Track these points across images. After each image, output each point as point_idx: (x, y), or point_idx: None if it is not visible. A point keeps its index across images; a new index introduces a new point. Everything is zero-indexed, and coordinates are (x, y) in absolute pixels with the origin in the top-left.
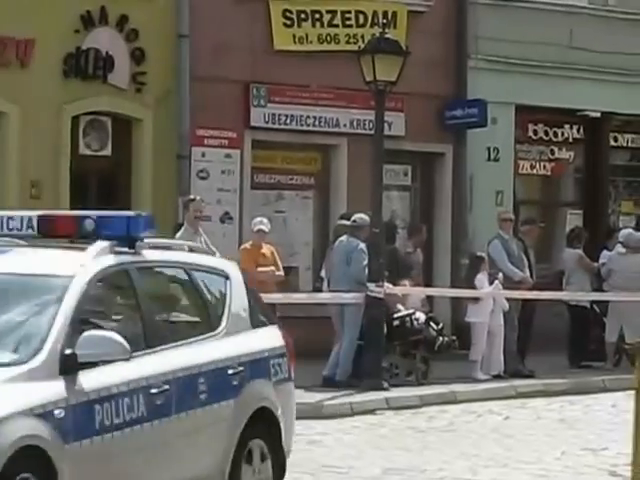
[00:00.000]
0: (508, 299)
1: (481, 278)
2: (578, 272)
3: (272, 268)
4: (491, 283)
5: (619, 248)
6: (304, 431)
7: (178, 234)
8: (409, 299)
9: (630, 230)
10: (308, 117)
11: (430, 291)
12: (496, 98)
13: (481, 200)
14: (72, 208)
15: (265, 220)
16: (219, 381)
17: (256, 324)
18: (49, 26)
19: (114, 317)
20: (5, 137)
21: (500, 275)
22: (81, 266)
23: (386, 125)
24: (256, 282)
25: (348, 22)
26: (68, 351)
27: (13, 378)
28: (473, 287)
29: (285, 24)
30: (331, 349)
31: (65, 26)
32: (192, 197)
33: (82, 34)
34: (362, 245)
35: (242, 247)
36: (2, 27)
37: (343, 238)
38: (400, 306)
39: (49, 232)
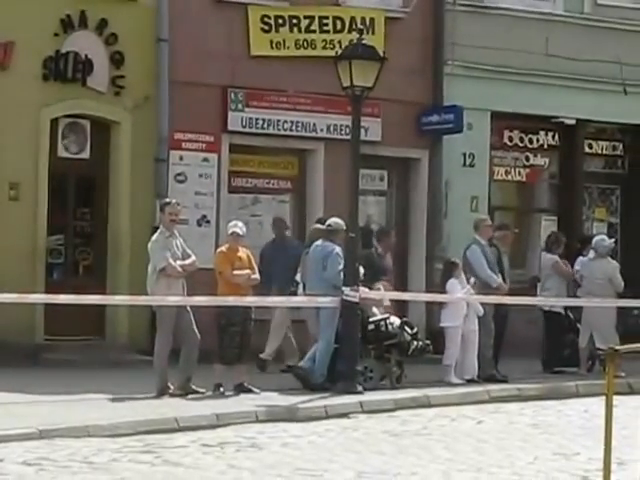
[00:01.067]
0: (483, 304)
1: (453, 283)
2: (554, 277)
3: (248, 271)
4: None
5: (590, 253)
6: (278, 433)
7: (154, 236)
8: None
9: (603, 236)
10: (285, 122)
11: (404, 296)
12: (472, 104)
13: (456, 205)
14: (50, 210)
15: (240, 223)
16: None
17: None
18: (29, 29)
19: None
20: None
21: (472, 280)
22: None
23: (363, 130)
24: (232, 285)
25: (325, 28)
26: None
27: None
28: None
29: (263, 29)
30: (306, 352)
31: (45, 29)
32: (167, 200)
33: (62, 37)
34: (338, 249)
35: (218, 250)
36: None
37: (319, 242)
38: (375, 310)
39: None
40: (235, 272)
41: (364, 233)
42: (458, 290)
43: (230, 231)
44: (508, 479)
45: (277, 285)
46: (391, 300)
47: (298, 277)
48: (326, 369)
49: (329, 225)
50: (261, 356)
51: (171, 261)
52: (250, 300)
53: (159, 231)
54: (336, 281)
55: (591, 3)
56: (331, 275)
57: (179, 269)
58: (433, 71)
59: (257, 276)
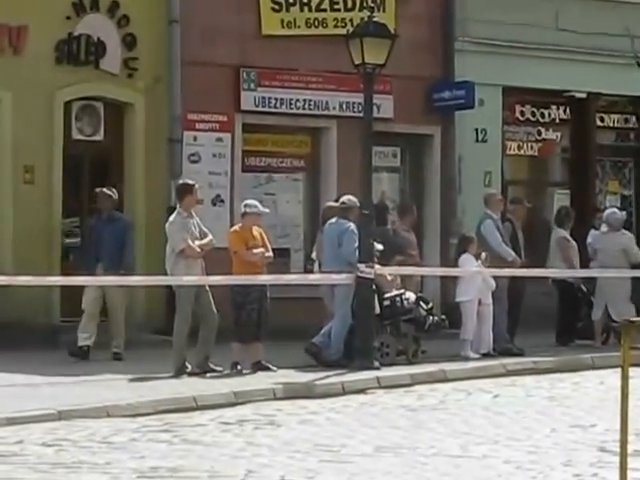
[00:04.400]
0: (497, 278)
1: (466, 258)
2: (557, 253)
3: (262, 250)
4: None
5: (603, 227)
6: (296, 410)
7: (172, 217)
8: (408, 281)
9: (614, 209)
10: (298, 100)
11: (418, 270)
12: (483, 80)
13: (470, 181)
14: (65, 192)
15: (257, 202)
16: None
17: None
18: (41, 13)
19: None
20: None
21: (483, 254)
22: None
23: (375, 107)
24: (247, 264)
25: (336, 6)
26: None
27: None
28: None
29: (273, 9)
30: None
31: (57, 13)
32: (191, 183)
33: (74, 20)
34: (352, 226)
35: (231, 229)
36: None
37: (333, 220)
38: (393, 289)
39: None
40: (251, 251)
41: (378, 210)
42: (472, 264)
43: (255, 211)
44: (525, 451)
45: (104, 263)
46: (405, 275)
47: (313, 255)
48: (343, 345)
49: (343, 202)
50: (115, 350)
51: (190, 242)
52: (266, 278)
53: (176, 212)
54: (351, 258)
55: None
56: (346, 252)
57: (198, 250)
58: (444, 47)
59: (271, 254)
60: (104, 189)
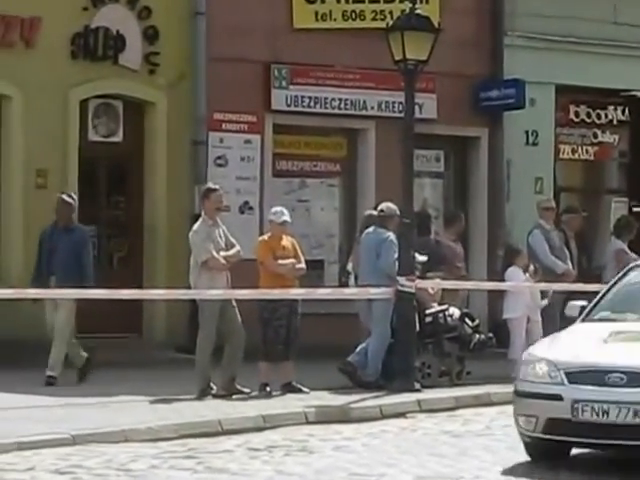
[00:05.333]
0: (549, 293)
1: (513, 271)
2: (613, 266)
3: (292, 261)
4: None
5: None
6: (330, 436)
7: (195, 226)
8: (452, 296)
9: None
10: (333, 99)
11: (462, 284)
12: (535, 78)
13: (519, 187)
14: (81, 198)
15: (285, 210)
16: None
17: None
18: (56, 4)
19: None
20: (9, 123)
21: (531, 268)
22: None
23: (417, 107)
24: (275, 276)
25: None
26: None
27: None
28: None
29: (307, 0)
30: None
31: (73, 3)
32: (213, 187)
33: (91, 12)
34: (392, 236)
35: (260, 239)
36: (6, 5)
37: (370, 229)
38: (434, 304)
39: None
40: (278, 262)
41: (420, 218)
42: (519, 278)
43: (281, 220)
44: None
45: (58, 276)
46: (449, 290)
47: (349, 267)
48: (381, 365)
49: (381, 210)
50: (48, 373)
51: (214, 253)
52: (297, 292)
53: (201, 220)
54: (390, 271)
55: None
56: (385, 264)
57: (222, 261)
58: (492, 42)
59: (303, 265)
60: (63, 195)
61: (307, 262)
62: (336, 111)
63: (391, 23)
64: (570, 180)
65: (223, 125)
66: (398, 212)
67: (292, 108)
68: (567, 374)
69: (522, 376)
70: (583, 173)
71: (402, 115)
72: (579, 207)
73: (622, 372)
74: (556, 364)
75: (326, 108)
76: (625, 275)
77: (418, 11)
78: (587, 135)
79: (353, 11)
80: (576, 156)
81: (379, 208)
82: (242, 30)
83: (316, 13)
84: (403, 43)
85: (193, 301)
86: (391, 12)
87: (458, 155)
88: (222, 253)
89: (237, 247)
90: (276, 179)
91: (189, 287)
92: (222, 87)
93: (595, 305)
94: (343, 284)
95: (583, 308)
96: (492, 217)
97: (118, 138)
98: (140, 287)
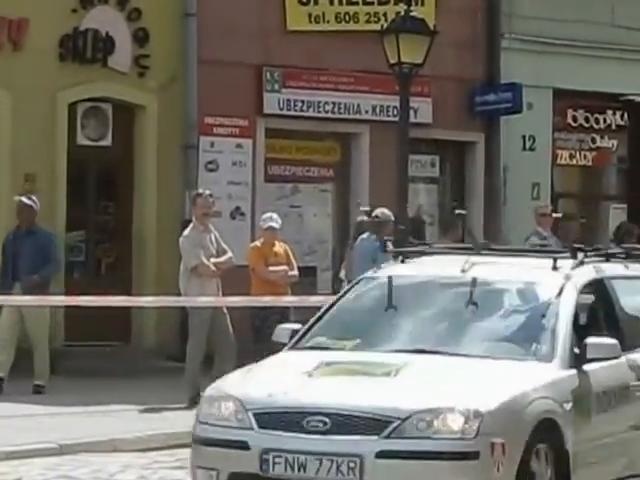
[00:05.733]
0: None
1: None
2: None
3: (285, 267)
4: None
5: None
6: None
7: (186, 232)
8: None
9: None
10: (326, 103)
11: None
12: (532, 82)
13: (516, 193)
14: (69, 203)
15: (275, 215)
16: None
17: None
18: (44, 5)
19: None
20: None
21: None
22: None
23: (412, 111)
24: (267, 283)
25: None
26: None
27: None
28: None
29: (300, 1)
30: None
31: (61, 5)
32: (199, 192)
33: (80, 14)
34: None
35: (252, 245)
36: None
37: (364, 236)
38: None
39: None
40: (270, 268)
41: (414, 225)
42: None
43: (266, 225)
44: None
45: (22, 282)
46: None
47: (342, 274)
48: None
49: (376, 216)
50: (36, 382)
51: (204, 259)
52: (289, 299)
53: (191, 226)
54: None
55: None
56: None
57: (213, 268)
58: (488, 45)
59: (295, 272)
60: (23, 198)
61: (299, 269)
62: (329, 115)
63: (386, 26)
64: (568, 186)
65: (214, 129)
66: (393, 218)
67: (284, 112)
68: (257, 416)
69: (202, 417)
70: (581, 179)
71: (397, 119)
72: (577, 213)
73: (325, 414)
74: (244, 403)
75: (319, 112)
76: (348, 291)
77: (413, 13)
78: (585, 140)
79: (347, 13)
80: (574, 161)
81: (374, 214)
82: (234, 32)
83: (309, 15)
84: (398, 46)
85: (183, 308)
86: (385, 14)
87: (454, 160)
88: (213, 260)
89: (229, 254)
90: (268, 184)
91: (179, 294)
92: (213, 90)
93: (309, 328)
94: (336, 291)
95: (295, 332)
96: (488, 223)
97: (107, 142)
98: (129, 294)
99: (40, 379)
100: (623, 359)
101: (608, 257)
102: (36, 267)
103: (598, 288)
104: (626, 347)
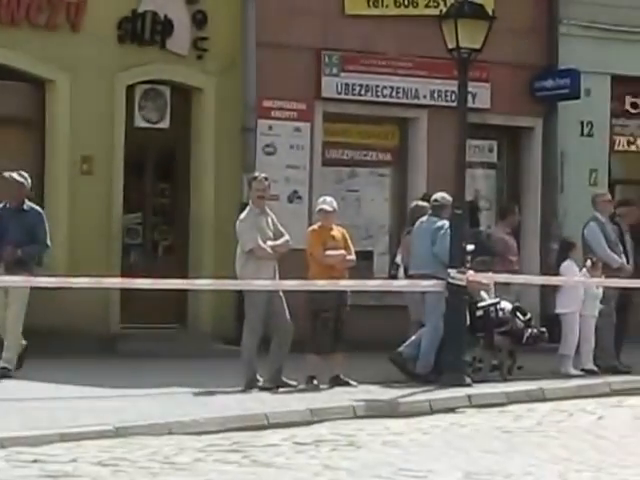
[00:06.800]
0: (605, 288)
1: (568, 265)
2: None
3: (342, 252)
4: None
5: None
6: (378, 431)
7: (242, 215)
8: (505, 289)
9: None
10: (384, 87)
11: (514, 278)
12: (590, 67)
13: (573, 179)
14: (126, 185)
15: (329, 199)
16: None
17: None
18: None
19: None
20: (54, 108)
21: (589, 262)
22: None
23: (470, 96)
24: (324, 267)
25: None
26: None
27: None
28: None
29: None
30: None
31: None
32: (254, 175)
33: None
34: (447, 224)
35: (310, 228)
36: None
37: (424, 219)
38: (484, 294)
39: None
40: (328, 252)
41: (471, 210)
42: (574, 272)
43: (317, 208)
44: None
45: (3, 255)
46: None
47: (398, 259)
48: (433, 359)
49: (435, 200)
50: (3, 365)
51: (260, 242)
52: (346, 284)
53: (248, 208)
54: (446, 258)
55: None
56: (441, 251)
57: (269, 250)
58: (547, 31)
59: (353, 257)
60: (13, 174)
61: (356, 253)
62: (387, 99)
63: (444, 10)
64: (626, 172)
65: (272, 112)
66: (451, 202)
67: (343, 96)
68: None
69: None
70: (639, 165)
71: (455, 104)
72: (635, 199)
73: None
74: None
75: (377, 96)
76: None
77: None
78: None
79: None
80: (632, 148)
81: (433, 197)
82: (293, 16)
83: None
84: (457, 31)
85: (240, 292)
86: None
87: (511, 146)
88: (269, 243)
89: (286, 237)
90: (325, 168)
91: (236, 277)
92: (272, 73)
93: None
94: (392, 276)
95: None
96: (545, 210)
97: (165, 124)
98: (185, 277)
99: (8, 362)
100: None
101: None
102: (22, 246)
103: None
104: None
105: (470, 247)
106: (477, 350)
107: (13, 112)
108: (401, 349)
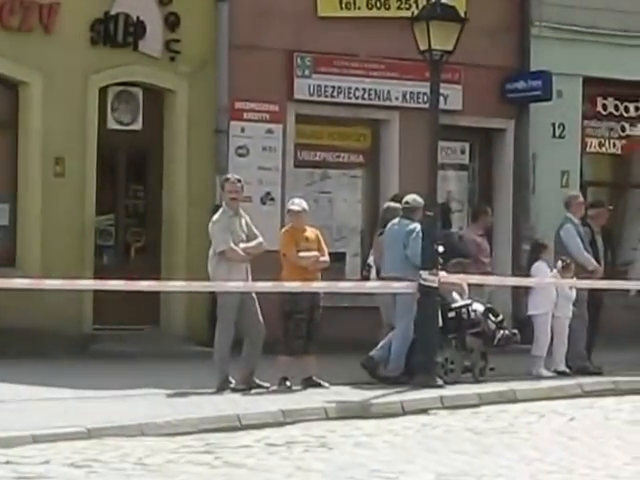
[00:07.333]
0: (578, 290)
1: (539, 266)
2: None
3: (316, 253)
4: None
5: None
6: (350, 432)
7: (215, 216)
8: (477, 291)
9: None
10: (357, 89)
11: (485, 279)
12: (562, 69)
13: (545, 181)
14: (99, 187)
15: (297, 200)
16: None
17: None
18: None
19: None
20: (27, 109)
21: (559, 263)
22: None
23: (442, 98)
24: (297, 268)
25: None
26: None
27: None
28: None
29: None
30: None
31: None
32: (227, 176)
33: None
34: (419, 227)
35: (283, 229)
36: None
37: (395, 221)
38: (456, 295)
39: None
40: (301, 254)
41: (443, 212)
42: (545, 274)
43: (287, 209)
44: None
45: None
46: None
47: (370, 260)
48: (404, 361)
49: (407, 202)
50: None
51: (232, 244)
52: (318, 285)
53: (221, 210)
54: (418, 261)
55: None
56: (413, 254)
57: (241, 253)
58: (519, 33)
59: (327, 258)
60: None
61: (329, 254)
62: (360, 101)
63: (416, 12)
64: (597, 174)
65: (245, 114)
66: (423, 205)
67: (315, 98)
68: None
69: None
70: (610, 167)
71: (427, 106)
72: (605, 201)
73: None
74: None
75: (349, 98)
76: None
77: (444, 0)
78: (615, 128)
79: (378, 0)
80: (603, 150)
81: (404, 200)
82: (265, 17)
83: (340, 1)
84: (429, 33)
85: (212, 293)
86: (416, 1)
87: (483, 147)
88: (242, 244)
89: (259, 239)
90: (298, 170)
91: (209, 279)
92: (244, 75)
93: None
94: (364, 277)
95: None
96: (517, 211)
97: (137, 126)
98: (158, 278)
99: None
100: None
101: None
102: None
103: None
104: None
105: (440, 249)
106: (449, 351)
107: None
108: (372, 353)
